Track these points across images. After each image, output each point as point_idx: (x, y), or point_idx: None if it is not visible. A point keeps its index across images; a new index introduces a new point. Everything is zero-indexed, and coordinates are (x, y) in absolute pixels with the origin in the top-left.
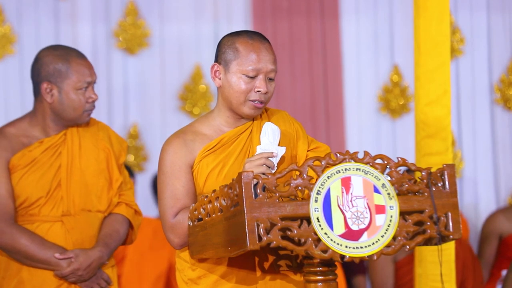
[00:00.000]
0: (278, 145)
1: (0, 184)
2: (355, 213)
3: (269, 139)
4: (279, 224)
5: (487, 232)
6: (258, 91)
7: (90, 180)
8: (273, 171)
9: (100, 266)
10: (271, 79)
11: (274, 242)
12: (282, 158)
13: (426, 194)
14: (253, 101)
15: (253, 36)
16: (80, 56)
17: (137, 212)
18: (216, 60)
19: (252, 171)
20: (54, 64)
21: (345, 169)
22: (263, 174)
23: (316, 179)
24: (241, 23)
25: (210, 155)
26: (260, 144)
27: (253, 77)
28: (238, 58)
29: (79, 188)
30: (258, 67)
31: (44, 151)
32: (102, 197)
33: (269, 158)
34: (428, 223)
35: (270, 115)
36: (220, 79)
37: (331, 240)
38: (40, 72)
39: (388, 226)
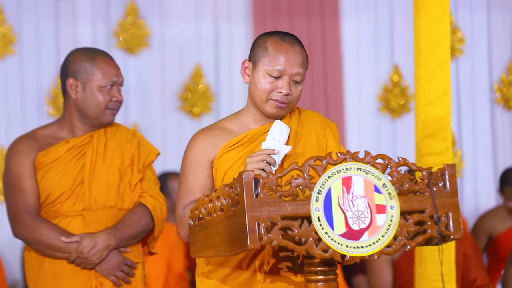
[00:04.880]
0: (286, 144)
1: (24, 180)
2: (355, 213)
3: (274, 136)
4: (280, 224)
5: (476, 233)
6: (280, 92)
7: (112, 178)
8: (274, 168)
9: (108, 249)
10: (297, 82)
11: (275, 242)
12: (287, 157)
13: (426, 194)
14: (275, 100)
15: (285, 37)
16: (106, 56)
17: (159, 201)
18: (249, 57)
19: (253, 171)
20: (80, 61)
21: (346, 169)
22: (263, 170)
23: (317, 179)
24: (241, 23)
25: (231, 151)
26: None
27: (277, 78)
28: (266, 57)
29: (101, 185)
30: (282, 68)
31: (68, 150)
32: (125, 194)
33: (271, 155)
34: (429, 223)
35: (301, 115)
36: (248, 76)
37: (332, 239)
38: (67, 69)
39: (389, 226)
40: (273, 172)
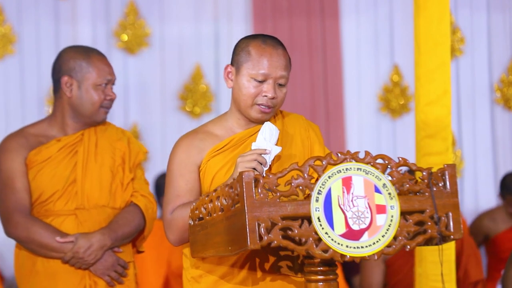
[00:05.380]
0: (276, 144)
1: (16, 179)
2: (356, 213)
3: (265, 136)
4: (280, 224)
5: (473, 231)
6: (265, 96)
7: (104, 177)
8: (265, 168)
9: (103, 249)
10: (281, 85)
11: (275, 242)
12: (277, 157)
13: (427, 194)
14: (260, 105)
15: (267, 40)
16: (100, 54)
17: (150, 201)
18: (231, 62)
19: (253, 171)
20: (75, 59)
21: (346, 169)
22: (254, 169)
23: (317, 179)
24: (241, 23)
25: (218, 155)
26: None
27: (261, 81)
28: (249, 61)
29: (94, 184)
30: (267, 72)
31: (60, 149)
32: (117, 193)
33: (262, 155)
34: (429, 223)
35: (285, 117)
36: (232, 80)
37: (332, 239)
38: (61, 67)
39: (389, 226)
40: (264, 172)
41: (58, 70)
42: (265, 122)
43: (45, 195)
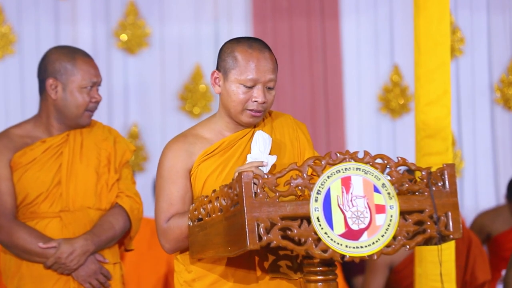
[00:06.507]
0: (269, 153)
1: (1, 181)
2: (355, 213)
3: (260, 148)
4: (279, 224)
5: (474, 230)
6: (256, 101)
7: (90, 178)
8: None
9: (86, 254)
10: (270, 88)
11: (274, 242)
12: (273, 167)
13: (426, 193)
14: (250, 110)
15: (253, 44)
16: (86, 56)
17: (136, 201)
18: (217, 67)
19: (252, 171)
20: (61, 61)
21: (345, 169)
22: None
23: (316, 179)
24: (241, 23)
25: (209, 159)
26: (250, 153)
27: (251, 87)
28: (237, 67)
29: (79, 186)
30: (256, 77)
31: (45, 150)
32: (102, 195)
33: (259, 167)
34: (428, 223)
35: (273, 119)
36: (219, 86)
37: (331, 239)
38: (46, 68)
39: (388, 225)
40: None
41: (44, 71)
42: (257, 132)
43: (30, 197)
